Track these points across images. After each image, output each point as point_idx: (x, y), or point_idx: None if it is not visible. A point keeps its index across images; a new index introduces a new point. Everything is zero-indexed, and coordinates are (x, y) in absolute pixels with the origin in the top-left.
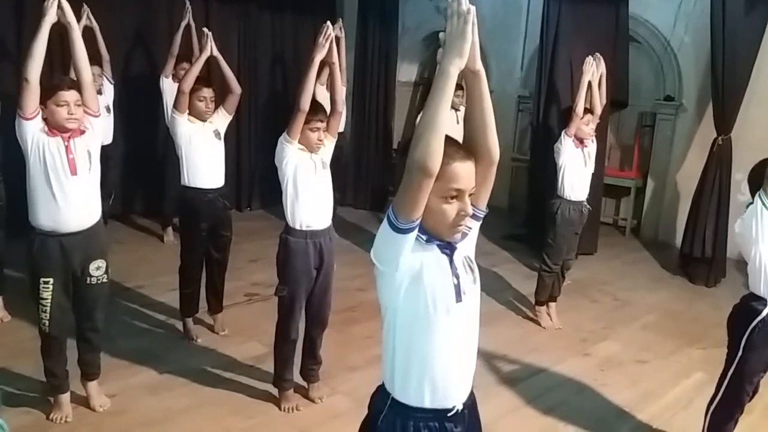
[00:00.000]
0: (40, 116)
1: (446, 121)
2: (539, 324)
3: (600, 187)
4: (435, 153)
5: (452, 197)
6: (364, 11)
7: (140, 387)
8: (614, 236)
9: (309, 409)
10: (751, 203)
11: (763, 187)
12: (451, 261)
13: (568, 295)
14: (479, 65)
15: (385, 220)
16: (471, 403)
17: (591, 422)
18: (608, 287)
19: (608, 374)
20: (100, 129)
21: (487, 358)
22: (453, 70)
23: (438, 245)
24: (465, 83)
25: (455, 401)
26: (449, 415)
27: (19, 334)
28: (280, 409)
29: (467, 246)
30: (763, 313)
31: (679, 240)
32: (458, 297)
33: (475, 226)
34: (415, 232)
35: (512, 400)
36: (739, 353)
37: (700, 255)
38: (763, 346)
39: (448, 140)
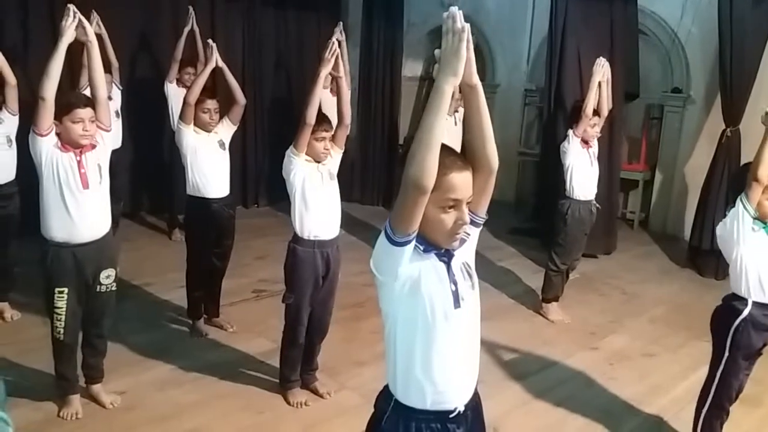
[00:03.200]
0: (53, 132)
1: (441, 138)
2: (547, 318)
3: (616, 185)
4: (430, 170)
5: (450, 207)
6: (369, 6)
7: (150, 383)
8: (622, 229)
9: (317, 404)
10: (733, 207)
11: (745, 191)
12: (449, 268)
13: (576, 288)
14: (476, 79)
15: (383, 233)
16: (474, 404)
17: (600, 416)
18: (616, 281)
19: (617, 368)
20: (111, 142)
21: (496, 352)
22: (447, 88)
23: (436, 253)
24: (462, 96)
25: (457, 403)
26: (451, 416)
27: (28, 333)
28: (288, 404)
29: (465, 252)
30: (745, 312)
31: (687, 232)
32: (456, 303)
33: (475, 232)
34: (413, 243)
35: (521, 394)
36: (726, 353)
37: (709, 247)
38: (748, 344)
39: (446, 150)
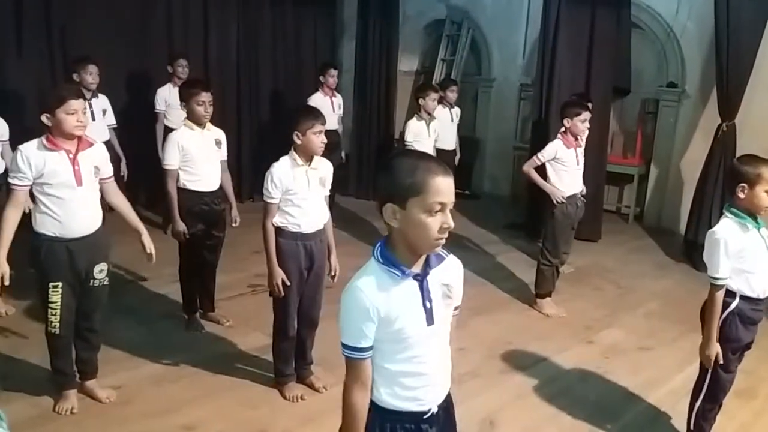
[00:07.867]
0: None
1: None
2: (543, 313)
3: (602, 176)
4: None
5: (436, 210)
6: (365, 0)
7: (145, 378)
8: (617, 224)
9: (313, 398)
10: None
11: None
12: (422, 286)
13: (571, 283)
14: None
15: (342, 348)
16: (446, 405)
17: (595, 409)
18: (612, 275)
19: (612, 361)
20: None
21: (491, 346)
22: None
23: (413, 276)
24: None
25: (431, 405)
26: (425, 417)
27: (23, 328)
28: (284, 398)
29: (449, 275)
30: (732, 306)
31: (682, 227)
32: (429, 321)
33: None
34: (371, 350)
35: (517, 388)
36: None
37: (704, 242)
38: (736, 338)
39: (428, 156)
